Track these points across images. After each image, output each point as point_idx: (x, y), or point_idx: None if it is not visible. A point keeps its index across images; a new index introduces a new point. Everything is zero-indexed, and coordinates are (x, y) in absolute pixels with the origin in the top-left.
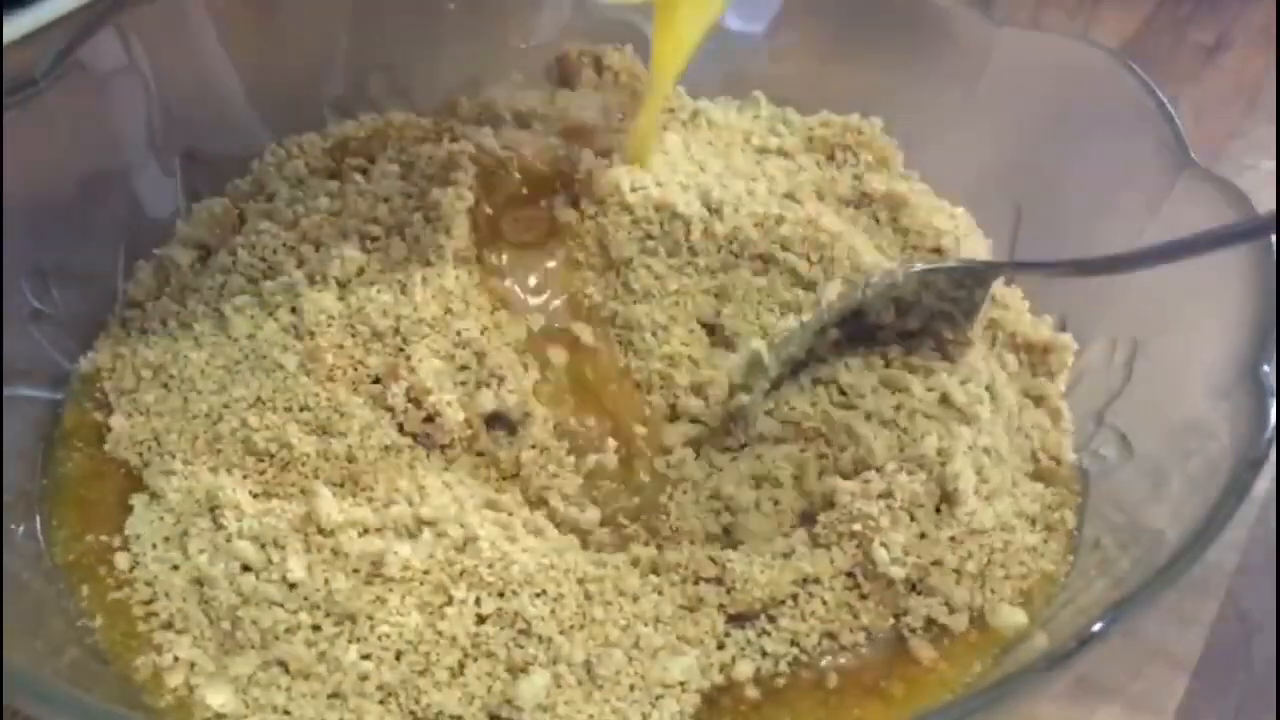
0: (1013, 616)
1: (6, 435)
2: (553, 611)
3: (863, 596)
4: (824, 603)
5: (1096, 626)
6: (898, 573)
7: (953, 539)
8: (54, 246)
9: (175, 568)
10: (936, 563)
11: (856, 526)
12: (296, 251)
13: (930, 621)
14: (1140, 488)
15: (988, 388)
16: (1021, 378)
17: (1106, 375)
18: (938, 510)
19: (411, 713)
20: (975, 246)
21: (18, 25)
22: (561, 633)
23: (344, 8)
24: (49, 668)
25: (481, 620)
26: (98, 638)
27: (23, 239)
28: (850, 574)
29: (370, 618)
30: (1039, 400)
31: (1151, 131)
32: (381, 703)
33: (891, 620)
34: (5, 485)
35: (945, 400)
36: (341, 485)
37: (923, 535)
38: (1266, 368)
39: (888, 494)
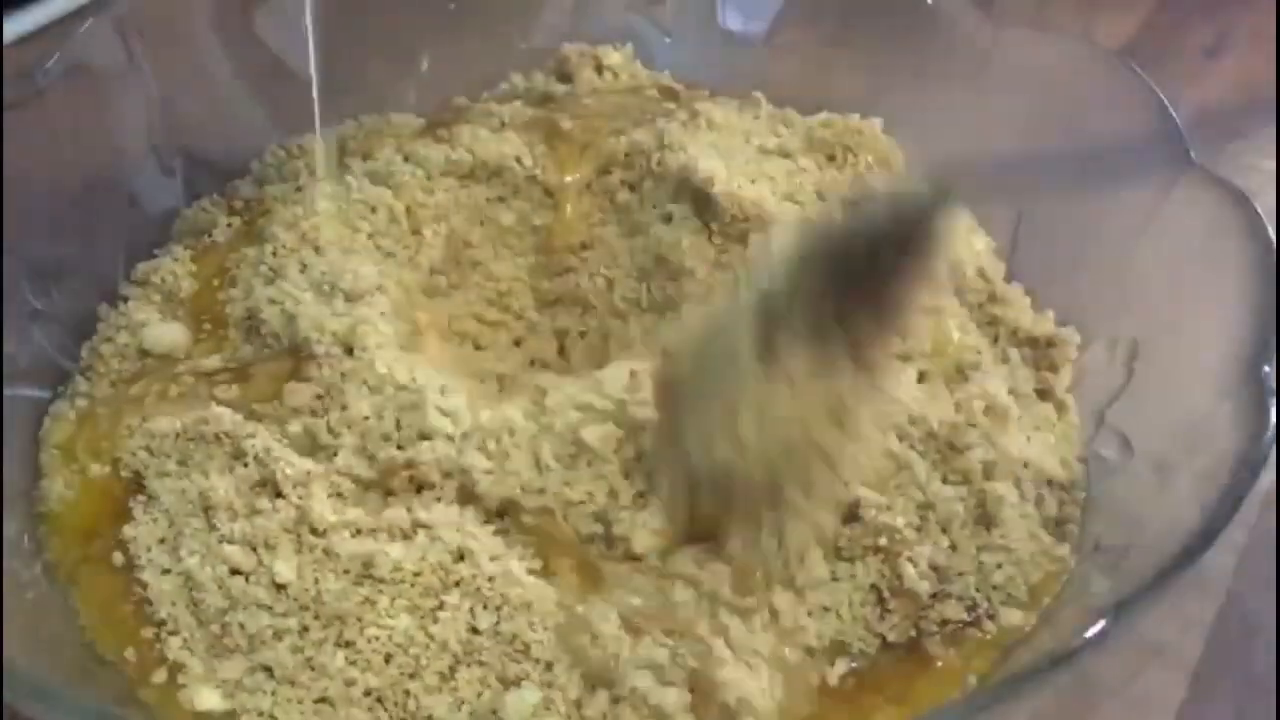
0: (1017, 616)
1: (6, 435)
2: (545, 642)
3: (886, 611)
4: (839, 615)
5: (1098, 626)
6: (925, 587)
7: (981, 547)
8: (55, 246)
9: (167, 571)
10: (962, 573)
11: (883, 541)
12: (298, 255)
13: (945, 621)
14: (1141, 488)
15: (1010, 391)
16: (1027, 372)
17: (1108, 375)
18: (974, 524)
19: (400, 719)
20: (976, 246)
21: (18, 25)
22: (558, 661)
23: (343, 7)
24: (47, 666)
25: (476, 632)
26: (94, 636)
27: (23, 238)
28: (874, 587)
29: (359, 619)
30: (1043, 395)
31: (1152, 133)
32: (370, 709)
33: (913, 632)
34: (6, 484)
35: (989, 410)
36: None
37: (953, 547)
38: (1267, 368)
39: (926, 505)
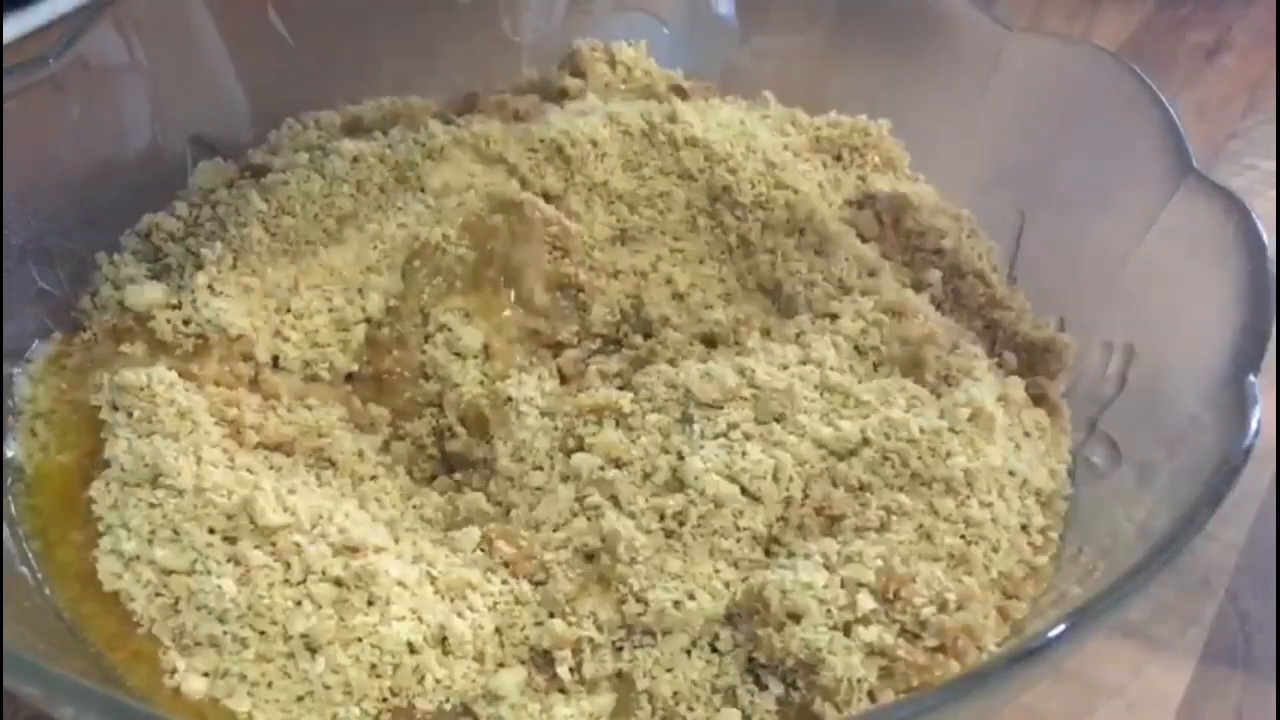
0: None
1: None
2: None
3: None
4: None
5: (1057, 630)
6: (929, 613)
7: (958, 557)
8: (61, 230)
9: (120, 552)
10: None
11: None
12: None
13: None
14: (1123, 496)
15: (1000, 398)
16: (1022, 377)
17: (1101, 381)
18: (953, 534)
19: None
20: (978, 248)
21: (18, 25)
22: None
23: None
24: (30, 647)
25: None
26: (71, 615)
27: (30, 221)
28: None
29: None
30: (1038, 400)
31: (1153, 135)
32: (346, 691)
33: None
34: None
35: (975, 418)
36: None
37: (931, 557)
38: (1252, 378)
39: (900, 513)
